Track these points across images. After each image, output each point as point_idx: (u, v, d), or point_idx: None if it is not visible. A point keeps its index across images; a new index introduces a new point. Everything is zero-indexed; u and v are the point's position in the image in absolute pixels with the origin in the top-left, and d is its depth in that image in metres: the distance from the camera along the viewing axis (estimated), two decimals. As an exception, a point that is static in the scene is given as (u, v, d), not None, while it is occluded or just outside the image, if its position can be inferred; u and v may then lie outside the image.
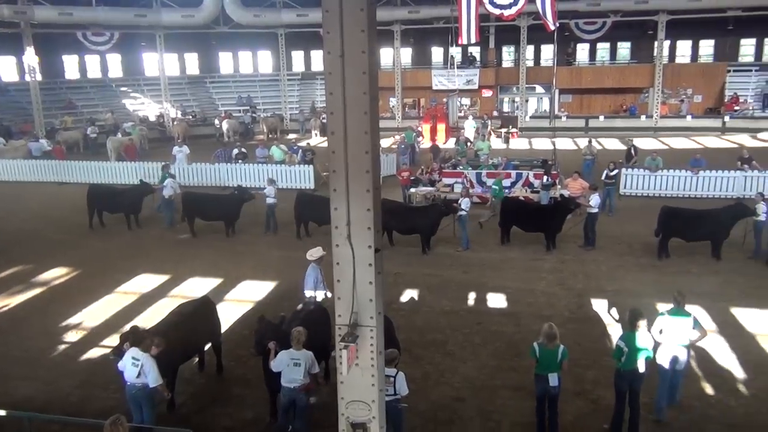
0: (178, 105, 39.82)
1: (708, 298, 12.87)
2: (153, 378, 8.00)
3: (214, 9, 35.57)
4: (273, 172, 23.03)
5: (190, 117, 38.92)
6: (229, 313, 12.46)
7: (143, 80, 40.85)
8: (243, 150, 25.60)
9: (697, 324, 8.81)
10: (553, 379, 8.22)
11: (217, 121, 36.86)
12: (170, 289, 14.15)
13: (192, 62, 43.93)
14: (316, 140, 32.89)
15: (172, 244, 17.58)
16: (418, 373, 9.99)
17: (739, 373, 10.15)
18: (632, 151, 23.12)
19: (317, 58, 43.37)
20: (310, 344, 8.26)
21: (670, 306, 9.01)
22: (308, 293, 10.89)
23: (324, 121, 28.88)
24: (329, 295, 10.72)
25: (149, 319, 11.72)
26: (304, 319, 9.22)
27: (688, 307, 9.12)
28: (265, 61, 44.44)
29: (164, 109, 38.33)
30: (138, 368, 7.99)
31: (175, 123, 36.35)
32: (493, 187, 19.09)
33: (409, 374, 8.18)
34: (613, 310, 12.27)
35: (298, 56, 44.30)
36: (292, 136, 37.00)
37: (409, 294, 13.67)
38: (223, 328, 11.02)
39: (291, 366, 8.05)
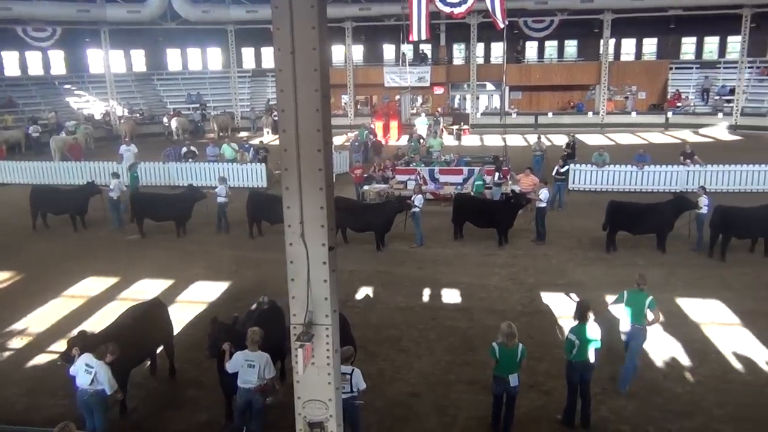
0: (124, 103, 38.78)
1: (654, 290, 13.16)
2: (109, 385, 7.84)
3: (160, 4, 34.79)
4: (224, 171, 22.71)
5: (138, 115, 37.96)
6: (182, 314, 12.23)
7: (88, 77, 39.64)
8: (193, 149, 25.15)
9: (653, 305, 9.40)
10: (513, 380, 8.25)
11: (165, 119, 36.07)
12: (119, 292, 13.81)
13: (139, 59, 42.86)
14: (269, 138, 32.58)
15: (121, 246, 17.14)
16: (373, 370, 10.00)
17: (684, 361, 10.51)
18: (570, 146, 23.68)
19: (268, 55, 42.86)
20: (265, 344, 8.18)
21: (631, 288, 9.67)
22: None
23: (276, 118, 28.64)
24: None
25: (98, 323, 11.39)
26: (258, 319, 9.13)
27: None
28: (214, 57, 43.69)
29: (110, 107, 37.32)
30: (92, 375, 7.81)
31: (121, 121, 35.39)
32: (476, 183, 19.09)
33: (364, 371, 8.18)
34: (572, 294, 12.67)
35: (248, 53, 43.71)
36: (243, 134, 36.60)
37: (364, 291, 13.67)
38: (176, 330, 10.82)
39: (246, 367, 7.96)
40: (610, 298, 12.64)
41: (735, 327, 11.58)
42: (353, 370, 7.79)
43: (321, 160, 5.32)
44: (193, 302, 13.22)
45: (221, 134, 34.84)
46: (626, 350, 9.66)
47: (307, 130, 5.27)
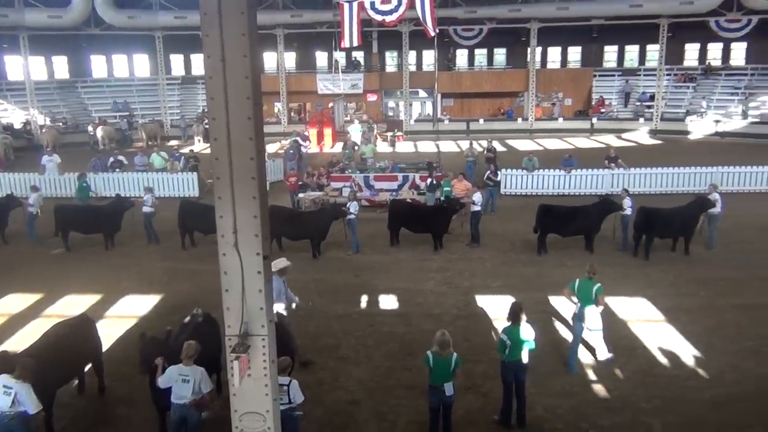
0: (46, 111, 37.16)
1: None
2: (32, 405, 7.46)
3: (83, 9, 33.59)
4: (154, 181, 22.11)
5: (61, 124, 36.46)
6: (111, 330, 11.82)
7: (6, 85, 37.74)
8: (120, 158, 24.35)
9: (600, 291, 10.26)
10: (448, 389, 8.20)
11: (90, 128, 34.75)
12: (43, 309, 13.20)
13: (61, 66, 41.12)
14: (200, 146, 31.93)
15: (45, 261, 16.39)
16: (312, 380, 9.93)
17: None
18: (491, 150, 24.35)
19: (198, 61, 42.02)
20: (200, 358, 7.99)
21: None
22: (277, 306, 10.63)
23: (207, 126, 28.09)
24: (297, 300, 10.91)
25: (20, 342, 10.87)
26: (192, 332, 8.91)
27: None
28: (141, 64, 42.46)
29: (31, 115, 35.70)
30: (11, 396, 7.40)
31: (43, 130, 33.91)
32: (444, 189, 18.97)
33: (302, 381, 8.11)
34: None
35: (177, 60, 42.68)
36: (174, 142, 35.74)
37: (300, 300, 13.54)
38: (105, 346, 10.45)
39: (180, 382, 7.74)
40: (542, 299, 13.07)
41: (659, 323, 12.09)
42: (291, 380, 7.71)
43: (254, 168, 5.25)
44: (124, 317, 12.78)
45: (150, 143, 33.91)
46: (574, 334, 10.57)
47: (239, 138, 5.20)
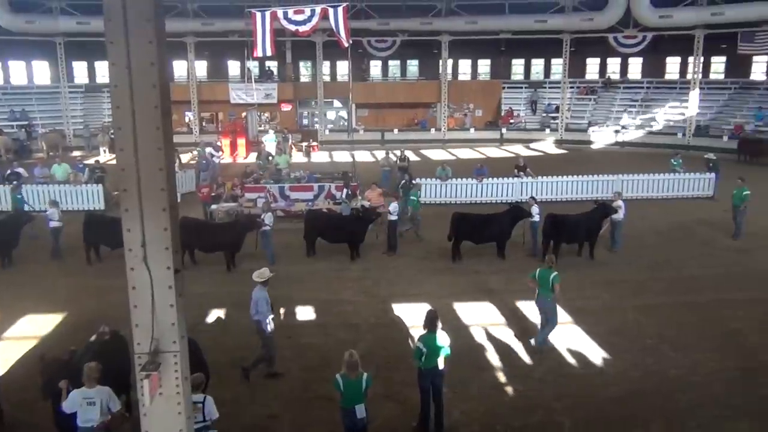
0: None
1: (496, 294, 14.17)
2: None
3: (-24, 13, 31.68)
4: (56, 193, 21.02)
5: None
6: (9, 353, 11.16)
7: None
8: (17, 170, 22.99)
9: (557, 279, 11.31)
10: (360, 411, 7.96)
11: (-16, 138, 32.69)
12: (-69, 333, 12.26)
13: (-49, 72, 38.58)
14: (106, 157, 30.64)
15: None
16: (228, 396, 9.69)
17: (526, 359, 11.26)
18: (404, 159, 24.80)
19: (103, 69, 40.37)
20: (110, 378, 7.64)
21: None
22: (267, 319, 10.45)
23: (113, 136, 26.99)
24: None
25: None
26: (98, 351, 8.51)
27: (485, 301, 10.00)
28: (41, 71, 40.34)
29: None
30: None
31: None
32: (412, 198, 18.76)
33: (218, 397, 7.91)
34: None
35: (80, 67, 40.83)
36: (77, 153, 34.12)
37: (215, 314, 13.24)
38: (2, 370, 9.79)
39: (85, 406, 7.36)
40: (458, 305, 13.35)
41: (568, 325, 12.58)
42: (205, 397, 7.50)
43: (163, 179, 5.09)
44: (23, 338, 12.06)
45: (51, 153, 32.22)
46: (541, 317, 11.76)
47: (147, 148, 5.02)
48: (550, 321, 11.58)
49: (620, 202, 17.08)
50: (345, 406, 8.04)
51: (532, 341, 11.69)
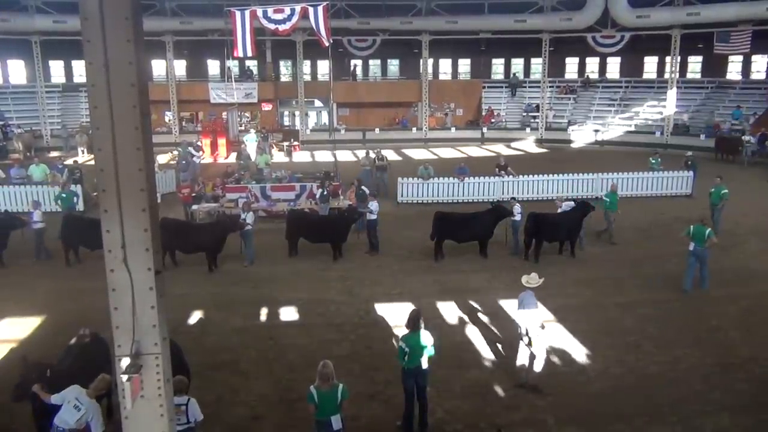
0: None
1: (478, 293, 14.20)
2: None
3: (-51, 12, 31.12)
4: (35, 194, 20.71)
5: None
6: (-14, 357, 10.93)
7: None
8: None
9: (711, 234, 13.83)
10: (336, 423, 7.69)
11: (-42, 139, 32.17)
12: None
13: (-77, 72, 37.86)
14: (84, 158, 30.27)
15: None
16: (211, 397, 9.62)
17: (506, 358, 11.28)
18: (382, 158, 24.80)
19: (80, 68, 39.84)
20: (90, 381, 7.53)
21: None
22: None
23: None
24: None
25: None
26: (79, 354, 8.40)
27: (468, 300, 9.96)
28: (17, 71, 39.74)
29: None
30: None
31: None
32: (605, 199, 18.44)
33: (201, 399, 7.84)
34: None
35: (57, 66, 40.26)
36: (54, 153, 33.67)
37: (197, 315, 13.14)
38: (-22, 374, 9.63)
39: (71, 406, 7.24)
40: (441, 305, 13.37)
41: (550, 323, 12.60)
42: (189, 399, 7.43)
43: (143, 179, 5.03)
44: (2, 341, 11.84)
45: (28, 154, 31.75)
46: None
47: (126, 148, 4.96)
48: (703, 265, 14.18)
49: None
50: (320, 418, 7.73)
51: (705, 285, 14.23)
